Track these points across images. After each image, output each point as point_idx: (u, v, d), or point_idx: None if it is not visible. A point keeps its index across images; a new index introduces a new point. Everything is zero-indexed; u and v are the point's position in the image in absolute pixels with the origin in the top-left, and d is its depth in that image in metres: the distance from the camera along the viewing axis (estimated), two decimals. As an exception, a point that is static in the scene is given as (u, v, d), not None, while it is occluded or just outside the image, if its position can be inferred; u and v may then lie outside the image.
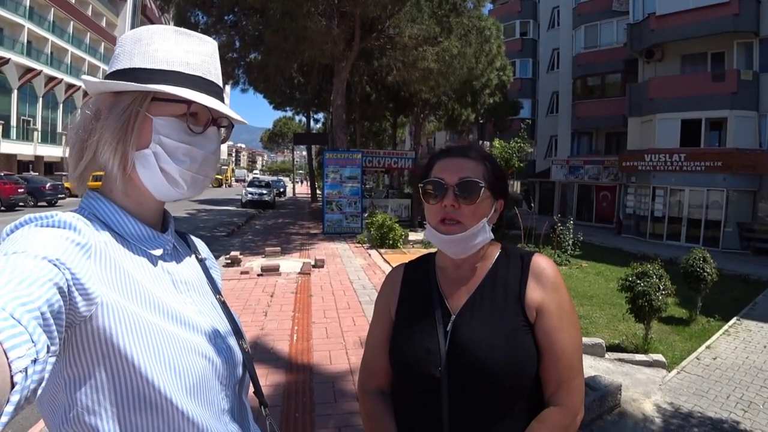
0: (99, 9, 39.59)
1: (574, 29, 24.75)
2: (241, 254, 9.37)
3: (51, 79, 32.40)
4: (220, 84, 0.85)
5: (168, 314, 0.75)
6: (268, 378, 3.98)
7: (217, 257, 8.75)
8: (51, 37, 32.48)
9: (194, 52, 0.81)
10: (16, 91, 29.19)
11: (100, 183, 0.82)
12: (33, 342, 0.49)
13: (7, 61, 27.42)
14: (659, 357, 5.28)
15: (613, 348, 5.62)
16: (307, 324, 5.53)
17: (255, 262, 9.00)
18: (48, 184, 21.27)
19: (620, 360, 5.20)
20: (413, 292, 1.16)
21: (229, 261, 8.87)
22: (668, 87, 18.05)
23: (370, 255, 10.72)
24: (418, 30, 13.43)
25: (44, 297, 0.54)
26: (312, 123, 34.76)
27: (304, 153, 47.72)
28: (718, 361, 5.50)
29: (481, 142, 26.40)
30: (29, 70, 29.80)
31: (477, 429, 1.00)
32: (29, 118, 30.94)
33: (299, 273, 8.27)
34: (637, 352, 5.45)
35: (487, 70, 17.81)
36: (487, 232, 1.08)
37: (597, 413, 3.84)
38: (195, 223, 17.20)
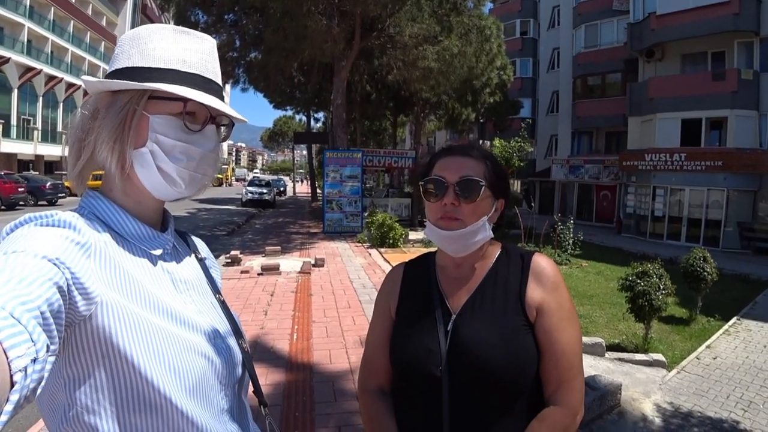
0: (99, 8, 39.57)
1: (575, 28, 24.74)
2: (241, 253, 9.37)
3: (51, 78, 32.39)
4: (219, 82, 0.85)
5: (167, 314, 0.75)
6: (268, 377, 3.98)
7: (217, 256, 8.77)
8: (51, 37, 32.47)
9: (192, 50, 0.81)
10: (16, 90, 29.18)
11: (100, 182, 0.82)
12: (33, 341, 0.49)
13: (8, 60, 27.41)
14: (659, 356, 5.28)
15: (613, 347, 5.62)
16: (307, 323, 5.53)
17: (255, 261, 9.01)
18: (48, 184, 21.27)
19: (620, 359, 5.20)
20: (413, 291, 1.16)
21: (230, 260, 8.87)
22: (668, 86, 18.04)
23: (370, 254, 10.72)
24: (419, 29, 13.42)
25: (44, 296, 0.54)
26: (312, 122, 34.76)
27: (305, 152, 47.74)
28: (718, 361, 5.50)
29: (481, 141, 26.39)
30: (29, 69, 29.79)
31: (477, 428, 1.01)
32: (29, 118, 30.93)
33: (299, 272, 8.27)
34: (637, 352, 5.45)
35: (487, 70, 17.82)
36: (487, 230, 1.08)
37: (597, 413, 3.84)
38: (195, 222, 17.20)
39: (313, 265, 8.75)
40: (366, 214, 14.46)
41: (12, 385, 0.46)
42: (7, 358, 0.45)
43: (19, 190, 19.23)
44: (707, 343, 6.09)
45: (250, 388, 0.94)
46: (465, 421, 1.00)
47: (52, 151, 32.05)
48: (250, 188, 26.78)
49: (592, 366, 4.82)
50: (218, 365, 0.80)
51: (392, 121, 28.42)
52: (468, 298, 1.09)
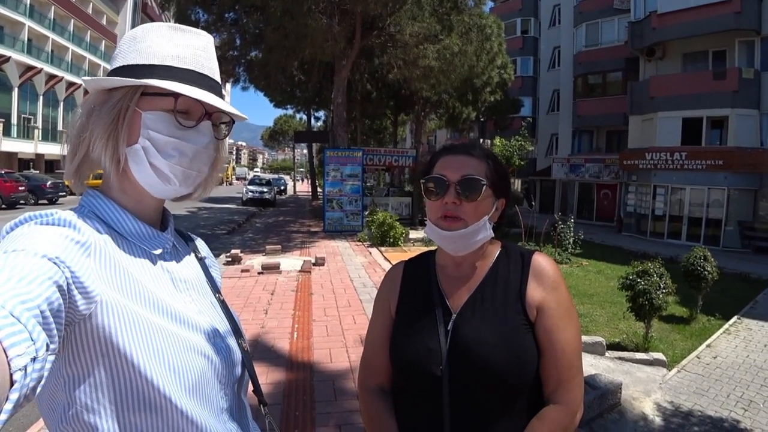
0: (99, 7, 39.53)
1: (575, 27, 24.73)
2: (241, 252, 9.38)
3: (51, 77, 32.37)
4: (216, 78, 0.84)
5: (167, 313, 0.75)
6: (268, 376, 3.98)
7: (217, 255, 8.78)
8: (51, 35, 32.44)
9: (186, 45, 0.80)
10: (16, 89, 29.16)
11: (101, 181, 0.82)
12: (32, 340, 0.49)
13: (8, 59, 27.40)
14: (659, 356, 5.28)
15: (613, 346, 5.62)
16: (308, 322, 5.53)
17: (256, 260, 9.01)
18: (49, 182, 21.26)
19: (620, 358, 5.20)
20: (413, 290, 1.16)
21: (230, 259, 8.88)
22: (669, 85, 18.02)
23: (370, 253, 10.72)
24: (419, 28, 13.41)
25: (44, 295, 0.54)
26: (313, 121, 34.76)
27: (305, 151, 47.71)
28: (718, 360, 5.50)
29: (482, 140, 26.37)
30: (30, 68, 29.77)
31: (478, 427, 1.01)
32: (30, 116, 30.93)
33: (300, 271, 8.27)
34: (638, 351, 5.45)
35: (488, 68, 17.80)
36: (488, 229, 1.08)
37: (597, 412, 3.84)
38: (196, 221, 17.21)
39: (314, 264, 8.75)
40: (366, 212, 14.47)
41: (12, 383, 0.46)
42: (7, 357, 0.45)
43: (20, 189, 19.23)
44: (708, 342, 6.09)
45: (250, 388, 0.94)
46: (465, 420, 1.00)
47: (52, 150, 32.03)
48: (250, 187, 26.81)
49: (592, 365, 4.83)
50: (218, 364, 0.80)
51: (393, 119, 28.42)
52: (468, 298, 1.09)
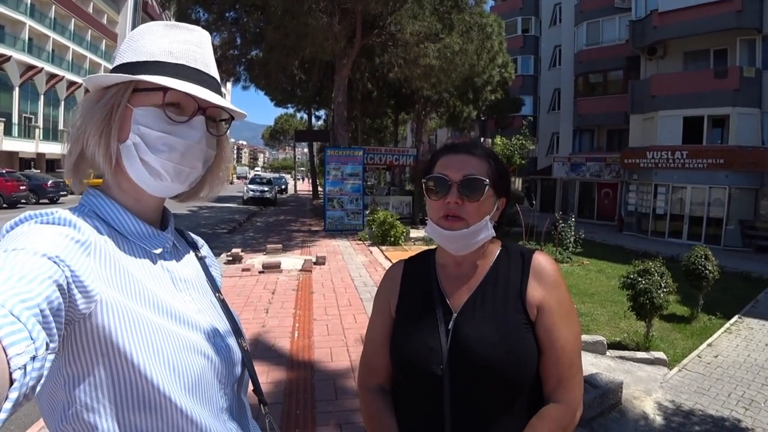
0: (100, 6, 39.54)
1: (576, 26, 24.71)
2: (242, 251, 9.38)
3: (52, 76, 32.38)
4: (211, 73, 0.83)
5: (167, 312, 0.75)
6: (269, 375, 3.98)
7: (218, 254, 8.78)
8: (52, 35, 32.44)
9: (179, 41, 0.80)
10: (17, 89, 29.17)
11: (101, 180, 0.82)
12: (32, 339, 0.49)
13: (9, 58, 27.41)
14: (660, 355, 5.28)
15: (614, 345, 5.62)
16: (309, 321, 5.54)
17: (256, 259, 9.01)
18: (50, 182, 21.29)
19: (621, 358, 5.20)
20: (413, 289, 1.16)
21: (231, 258, 8.88)
22: (670, 84, 18.01)
23: (371, 252, 10.72)
24: (420, 27, 13.39)
25: (44, 294, 0.54)
26: (313, 120, 34.78)
27: (306, 150, 47.64)
28: (719, 359, 5.49)
29: (482, 139, 26.35)
30: (30, 67, 29.78)
31: (478, 426, 1.01)
32: (31, 116, 30.95)
33: (300, 270, 8.27)
34: (639, 350, 5.45)
35: (488, 67, 17.77)
36: (489, 229, 1.08)
37: (598, 411, 3.84)
38: (196, 220, 17.22)
39: (315, 263, 8.75)
40: (367, 212, 14.48)
41: (11, 382, 0.46)
42: (7, 355, 0.45)
43: (21, 188, 19.25)
44: (708, 341, 6.09)
45: (250, 387, 0.94)
46: (466, 419, 1.00)
47: (53, 149, 32.05)
48: (251, 186, 26.83)
49: (593, 364, 4.82)
50: (217, 364, 0.80)
51: (393, 118, 28.41)
52: (469, 297, 1.09)
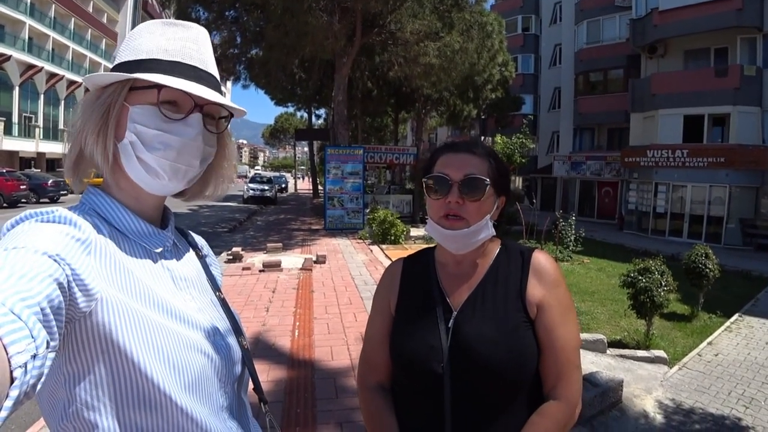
0: (100, 5, 39.51)
1: (577, 24, 24.68)
2: (242, 250, 9.38)
3: (52, 75, 32.37)
4: (209, 69, 0.83)
5: (167, 311, 0.75)
6: (269, 374, 3.99)
7: (218, 253, 8.78)
8: (52, 34, 32.43)
9: (174, 38, 0.80)
10: (17, 88, 29.16)
11: (102, 180, 0.82)
12: (33, 337, 0.49)
13: (9, 58, 27.40)
14: (661, 353, 5.28)
15: (614, 344, 5.62)
16: (309, 320, 5.54)
17: (257, 258, 9.01)
18: (50, 181, 21.30)
19: (622, 356, 5.20)
20: (413, 288, 1.16)
21: (231, 257, 8.89)
22: (671, 82, 17.98)
23: (371, 251, 10.73)
24: (420, 25, 13.38)
25: (44, 293, 0.54)
26: (313, 119, 34.77)
27: (306, 149, 47.68)
28: (719, 358, 5.49)
29: (483, 137, 26.32)
30: (30, 66, 29.77)
31: (479, 423, 1.01)
32: (31, 115, 30.95)
33: (301, 269, 8.27)
34: (639, 348, 5.45)
35: (488, 66, 17.76)
36: (490, 228, 1.08)
37: (598, 409, 3.84)
38: (197, 219, 17.22)
39: (315, 262, 8.75)
40: (367, 210, 14.48)
41: (12, 381, 0.46)
42: (7, 354, 0.45)
43: (21, 187, 19.26)
44: (709, 339, 6.09)
45: (250, 386, 0.94)
46: (466, 417, 1.01)
47: (53, 148, 32.07)
48: (251, 185, 26.82)
49: (593, 362, 4.83)
50: (217, 362, 0.80)
51: (393, 117, 28.39)
52: (469, 295, 1.09)
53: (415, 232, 12.97)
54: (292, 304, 6.14)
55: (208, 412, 0.77)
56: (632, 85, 20.02)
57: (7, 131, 27.69)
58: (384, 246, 11.23)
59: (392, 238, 11.67)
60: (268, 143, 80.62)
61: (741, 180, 16.50)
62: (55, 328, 0.54)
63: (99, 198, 0.79)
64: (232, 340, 0.86)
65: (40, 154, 31.72)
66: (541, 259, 1.10)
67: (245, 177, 43.09)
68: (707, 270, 6.75)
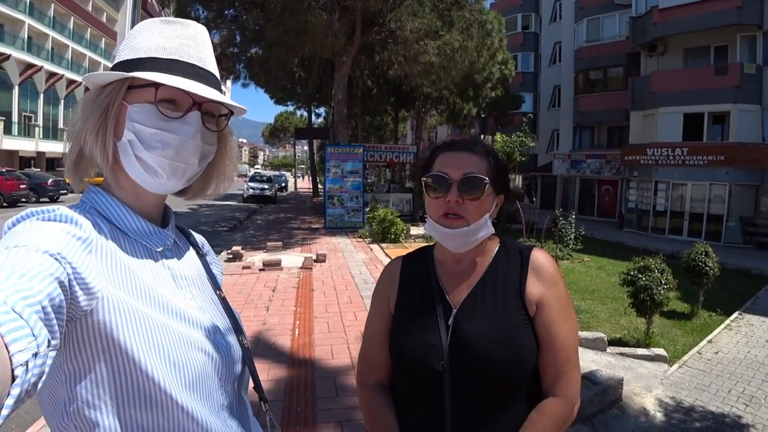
0: (99, 4, 39.45)
1: (576, 23, 24.65)
2: (242, 249, 9.38)
3: (52, 75, 32.36)
4: (207, 67, 0.83)
5: (168, 309, 0.75)
6: (270, 372, 3.99)
7: (218, 252, 8.79)
8: (51, 33, 32.40)
9: (173, 36, 0.80)
10: (17, 87, 29.16)
11: (102, 179, 0.82)
12: (34, 336, 0.49)
13: (8, 57, 27.38)
14: (661, 351, 5.29)
15: (614, 342, 5.62)
16: (309, 319, 5.54)
17: (257, 257, 9.02)
18: (50, 180, 21.30)
19: (622, 354, 5.20)
20: (412, 286, 1.16)
21: (231, 256, 8.89)
22: (671, 81, 17.97)
23: (371, 249, 10.73)
24: (420, 24, 13.36)
25: (45, 291, 0.54)
26: (313, 117, 34.73)
27: (306, 148, 47.64)
28: (719, 356, 5.50)
29: (482, 136, 26.31)
30: (30, 66, 29.75)
31: (479, 420, 1.01)
32: (30, 114, 30.94)
33: (301, 268, 8.28)
34: (639, 347, 5.45)
35: (488, 64, 17.74)
36: (489, 227, 1.09)
37: (598, 407, 3.84)
38: (197, 218, 17.22)
39: (315, 261, 8.76)
40: (367, 209, 14.47)
41: (13, 379, 0.46)
42: (9, 352, 0.45)
43: (21, 187, 19.26)
44: (709, 337, 6.09)
45: (251, 384, 0.94)
46: (467, 415, 1.01)
47: (53, 148, 32.06)
48: (251, 184, 26.83)
49: (593, 361, 4.83)
50: (218, 361, 0.80)
51: (393, 116, 28.39)
52: (469, 293, 1.09)
53: (415, 230, 12.97)
54: (292, 303, 6.15)
55: (208, 411, 0.77)
56: (632, 83, 20.01)
57: (7, 130, 27.69)
58: (384, 245, 11.24)
59: (392, 236, 11.67)
60: (267, 142, 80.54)
61: (741, 178, 16.50)
62: (56, 327, 0.55)
63: (100, 197, 0.79)
64: (232, 339, 0.86)
65: (40, 154, 31.72)
66: (539, 257, 1.10)
67: (245, 176, 43.16)
68: (707, 268, 6.75)
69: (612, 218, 21.75)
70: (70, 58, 34.95)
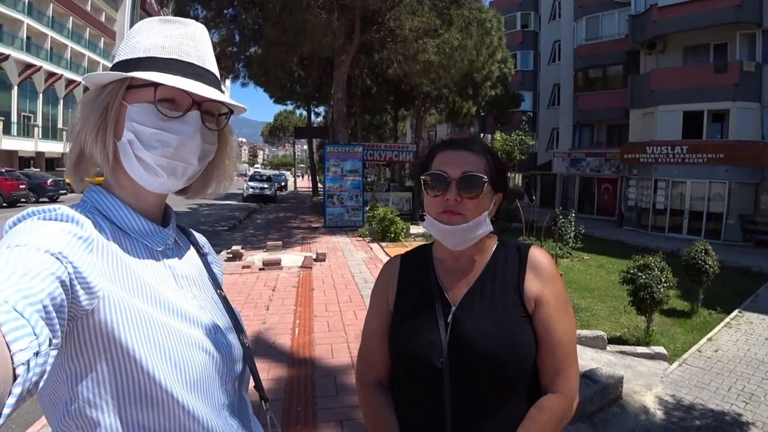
0: (98, 4, 39.42)
1: (576, 21, 24.64)
2: (242, 248, 9.38)
3: (51, 74, 32.34)
4: (207, 66, 0.82)
5: (169, 309, 0.75)
6: (270, 372, 3.99)
7: (218, 251, 8.78)
8: (50, 33, 32.37)
9: (172, 35, 0.80)
10: (16, 87, 29.14)
11: (103, 179, 0.82)
12: (35, 335, 0.49)
13: (7, 57, 27.36)
14: (661, 349, 5.29)
15: (614, 340, 5.63)
16: (309, 318, 5.55)
17: (257, 256, 9.02)
18: (49, 180, 21.31)
19: (622, 352, 5.21)
20: (411, 284, 1.17)
21: (231, 255, 8.89)
22: (670, 79, 17.96)
23: (371, 248, 10.73)
24: (419, 22, 13.35)
25: (47, 290, 0.54)
26: (313, 116, 34.70)
27: (305, 147, 47.58)
28: (719, 354, 5.51)
29: (482, 134, 26.31)
30: (29, 66, 29.73)
31: (478, 418, 1.02)
32: (30, 114, 30.93)
33: (301, 267, 8.28)
34: (639, 345, 5.46)
35: (488, 63, 17.72)
36: (487, 224, 1.09)
37: (598, 405, 3.85)
38: (197, 217, 17.22)
39: (315, 260, 8.76)
40: (367, 208, 14.47)
41: (14, 378, 0.46)
42: (10, 351, 0.46)
43: (21, 187, 19.26)
44: (709, 335, 6.10)
45: (251, 384, 0.94)
46: (466, 412, 1.01)
47: (53, 147, 32.05)
48: (251, 183, 26.84)
49: (593, 359, 4.83)
50: (218, 360, 0.80)
51: (393, 115, 28.36)
52: (468, 291, 1.09)
53: (414, 229, 12.97)
54: (292, 302, 6.15)
55: (209, 410, 0.77)
56: (631, 81, 20.00)
57: (6, 131, 27.67)
58: (384, 243, 11.24)
59: (392, 235, 11.67)
60: (267, 141, 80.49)
61: (740, 176, 16.51)
62: (58, 326, 0.55)
63: (100, 196, 0.79)
64: (233, 338, 0.87)
65: (39, 154, 31.71)
66: (537, 254, 1.11)
67: (245, 175, 43.17)
68: (707, 266, 6.76)
69: (612, 216, 21.76)
70: (69, 57, 34.93)
